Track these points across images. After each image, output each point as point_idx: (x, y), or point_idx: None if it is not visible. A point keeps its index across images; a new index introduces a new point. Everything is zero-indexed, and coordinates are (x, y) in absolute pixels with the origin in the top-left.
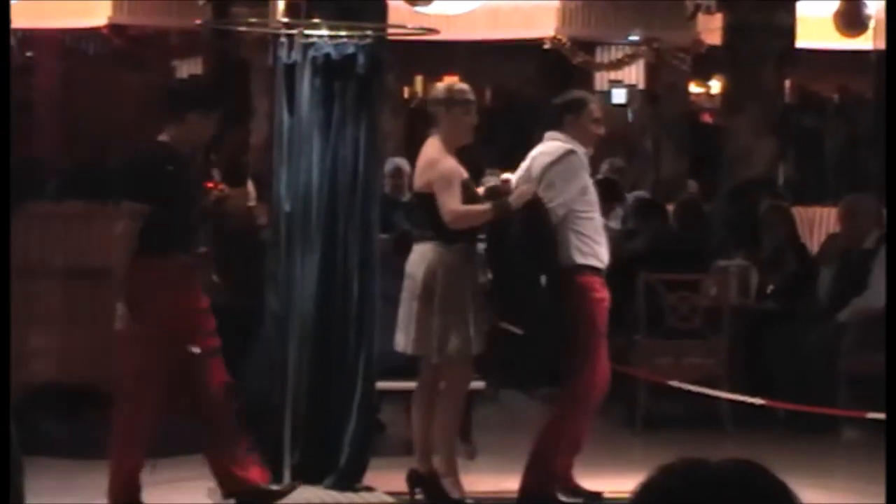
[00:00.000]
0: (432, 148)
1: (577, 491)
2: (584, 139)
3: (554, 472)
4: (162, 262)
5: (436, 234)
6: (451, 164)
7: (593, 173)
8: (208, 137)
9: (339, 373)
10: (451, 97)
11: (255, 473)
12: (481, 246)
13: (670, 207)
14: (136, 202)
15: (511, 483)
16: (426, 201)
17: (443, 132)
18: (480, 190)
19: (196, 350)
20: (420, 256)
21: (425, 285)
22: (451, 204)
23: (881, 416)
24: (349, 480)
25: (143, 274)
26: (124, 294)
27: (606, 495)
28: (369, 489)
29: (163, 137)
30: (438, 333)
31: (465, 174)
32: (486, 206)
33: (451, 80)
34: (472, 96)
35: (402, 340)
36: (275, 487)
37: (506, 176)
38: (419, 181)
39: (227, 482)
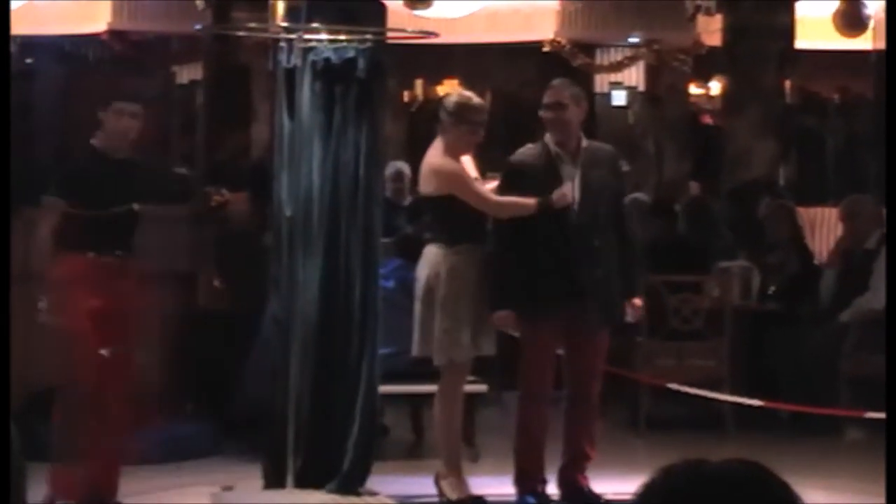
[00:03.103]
0: (436, 152)
1: (580, 495)
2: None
3: (526, 469)
4: (77, 260)
5: (440, 237)
6: (458, 167)
7: None
8: (133, 134)
9: (341, 377)
10: (462, 113)
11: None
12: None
13: (673, 209)
14: (58, 200)
15: (513, 485)
16: (432, 204)
17: (447, 140)
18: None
19: (104, 352)
20: (425, 259)
21: (428, 287)
22: (487, 195)
23: (880, 415)
24: (352, 484)
25: (60, 271)
26: (45, 290)
27: (609, 497)
28: (372, 493)
29: (94, 140)
30: (439, 336)
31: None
32: (531, 200)
33: (467, 94)
34: (484, 116)
35: (414, 343)
36: None
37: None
38: (425, 185)
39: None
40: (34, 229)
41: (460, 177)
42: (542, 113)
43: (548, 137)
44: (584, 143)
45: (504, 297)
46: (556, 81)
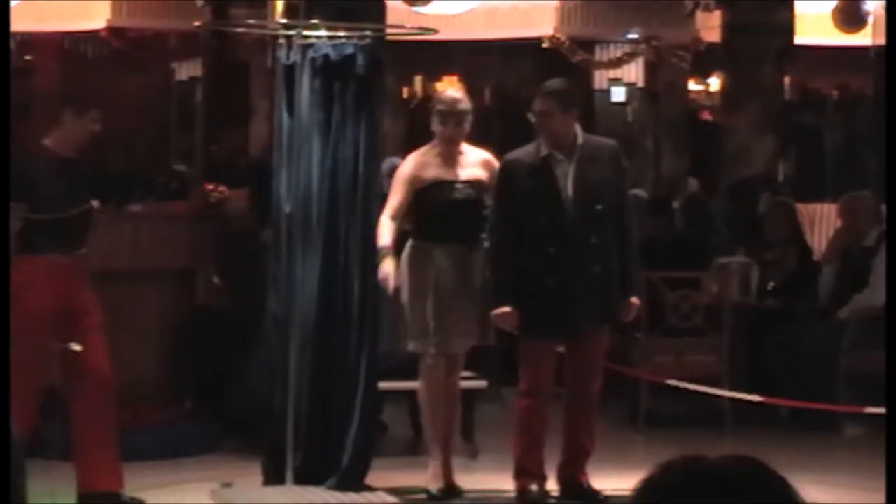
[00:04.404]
0: (416, 151)
1: (579, 491)
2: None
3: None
4: (33, 261)
5: (410, 231)
6: (402, 169)
7: None
8: (89, 139)
9: (340, 373)
10: (434, 106)
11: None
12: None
13: (671, 205)
14: (16, 203)
15: (512, 481)
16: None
17: (435, 136)
18: None
19: (76, 347)
20: (408, 254)
21: (417, 282)
22: (386, 210)
23: (880, 410)
24: (351, 481)
25: (15, 271)
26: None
27: (608, 493)
28: (371, 489)
29: (45, 141)
30: (408, 326)
31: (417, 175)
32: (384, 243)
33: (447, 88)
34: (457, 108)
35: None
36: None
37: None
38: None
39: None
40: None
41: (395, 178)
42: (531, 117)
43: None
44: (580, 139)
45: (502, 295)
46: (544, 87)
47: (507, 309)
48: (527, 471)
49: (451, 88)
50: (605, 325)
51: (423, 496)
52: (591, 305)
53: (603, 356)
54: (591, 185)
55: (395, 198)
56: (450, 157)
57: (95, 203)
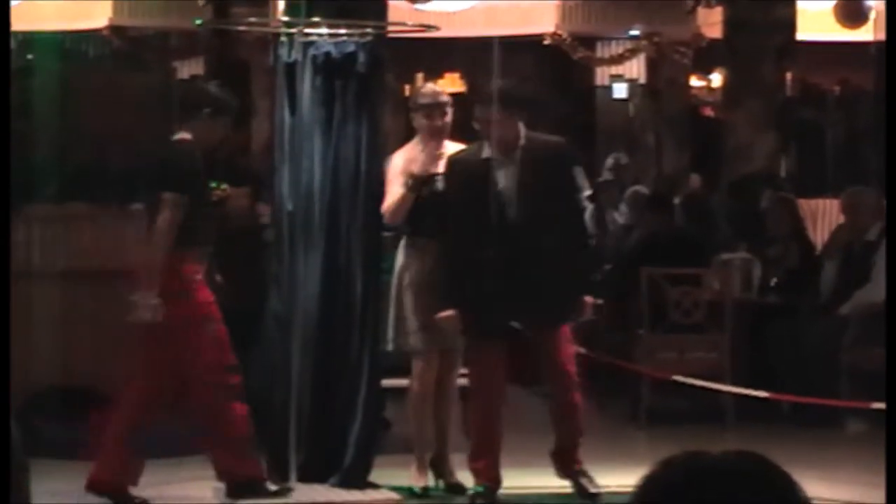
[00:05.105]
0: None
1: (575, 475)
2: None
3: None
4: (188, 255)
5: (403, 229)
6: (392, 163)
7: (598, 168)
8: (217, 140)
9: (342, 371)
10: (414, 99)
11: (255, 469)
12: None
13: (672, 202)
14: (175, 193)
15: (513, 479)
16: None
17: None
18: None
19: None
20: (401, 250)
21: (396, 281)
22: (387, 199)
23: (883, 406)
24: (354, 479)
25: (174, 267)
26: (158, 286)
27: (611, 489)
28: (375, 487)
29: (183, 136)
30: (391, 324)
31: (407, 170)
32: (402, 190)
33: (423, 83)
34: (434, 100)
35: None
36: (273, 487)
37: None
38: None
39: (230, 478)
40: (154, 225)
41: (389, 171)
42: (474, 125)
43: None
44: (523, 140)
45: (445, 296)
46: (483, 93)
47: (449, 311)
48: (477, 470)
49: (428, 83)
50: (561, 322)
51: (424, 495)
52: (537, 306)
53: (568, 348)
54: (535, 186)
55: (392, 190)
56: (435, 152)
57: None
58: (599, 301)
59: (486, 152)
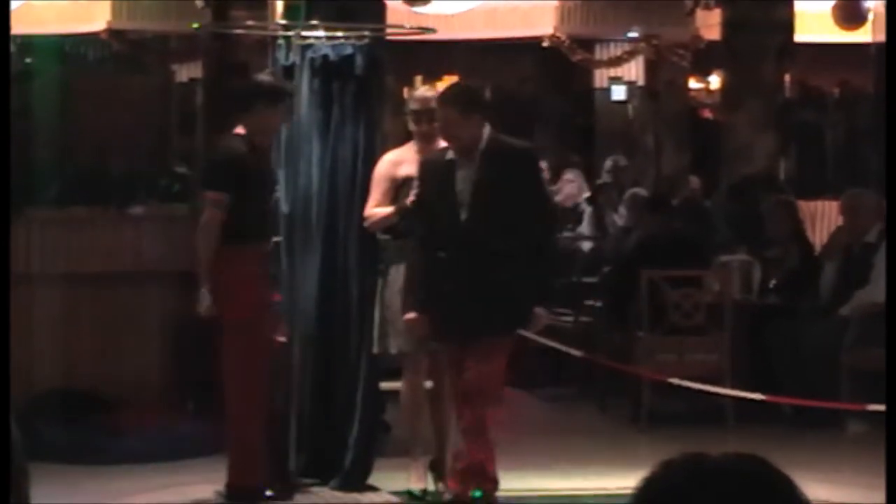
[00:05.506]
0: (394, 150)
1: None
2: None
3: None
4: (243, 252)
5: (394, 232)
6: (378, 169)
7: (597, 170)
8: (274, 130)
9: (342, 373)
10: (408, 106)
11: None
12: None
13: (671, 204)
14: (218, 192)
15: (516, 481)
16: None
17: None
18: None
19: (281, 339)
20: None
21: (381, 282)
22: (368, 207)
23: (882, 407)
24: (354, 481)
25: (226, 263)
26: (209, 283)
27: (610, 492)
28: (375, 490)
29: (238, 131)
30: (380, 329)
31: (391, 174)
32: (390, 209)
33: (419, 87)
34: (423, 106)
35: None
36: (269, 493)
37: None
38: None
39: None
40: (199, 224)
41: (374, 176)
42: (435, 130)
43: None
44: (483, 144)
45: (411, 299)
46: (441, 96)
47: (411, 314)
48: (435, 469)
49: (423, 87)
50: (508, 333)
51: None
52: (489, 313)
53: (502, 368)
54: (494, 190)
55: (375, 195)
56: (423, 156)
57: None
58: (549, 318)
59: (451, 154)
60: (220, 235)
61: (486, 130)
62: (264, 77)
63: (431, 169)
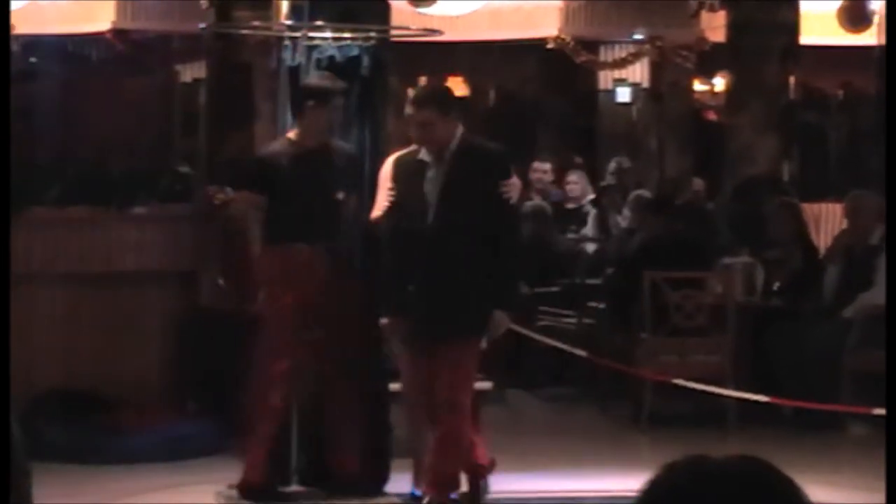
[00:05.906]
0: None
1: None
2: None
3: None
4: (283, 251)
5: None
6: (383, 170)
7: (601, 172)
8: (326, 128)
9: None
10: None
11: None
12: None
13: (675, 205)
14: (252, 193)
15: (518, 483)
16: None
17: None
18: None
19: (317, 333)
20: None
21: None
22: (376, 206)
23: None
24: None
25: (266, 262)
26: (235, 279)
27: (614, 494)
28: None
29: (290, 134)
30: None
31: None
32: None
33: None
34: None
35: None
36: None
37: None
38: None
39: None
40: (230, 223)
41: (379, 179)
42: (411, 132)
43: None
44: (454, 145)
45: (384, 303)
46: (419, 97)
47: (384, 319)
48: (415, 475)
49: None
50: (472, 337)
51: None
52: (452, 316)
53: (470, 371)
54: (461, 191)
55: (380, 197)
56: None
57: (341, 195)
58: (510, 324)
59: (423, 154)
60: (258, 235)
61: (459, 131)
62: (312, 78)
63: (404, 170)
